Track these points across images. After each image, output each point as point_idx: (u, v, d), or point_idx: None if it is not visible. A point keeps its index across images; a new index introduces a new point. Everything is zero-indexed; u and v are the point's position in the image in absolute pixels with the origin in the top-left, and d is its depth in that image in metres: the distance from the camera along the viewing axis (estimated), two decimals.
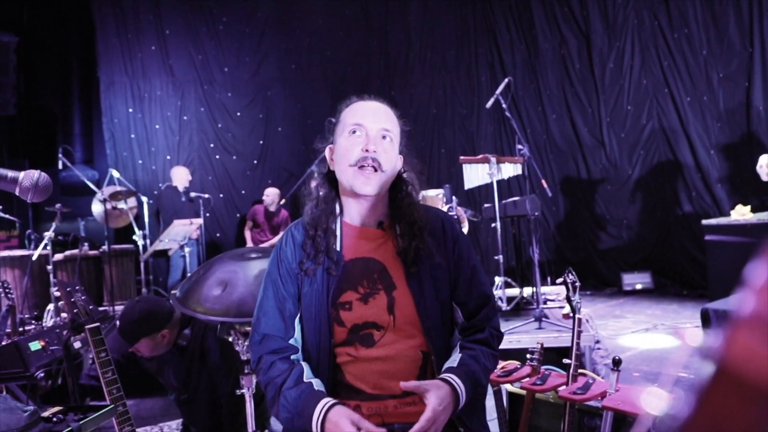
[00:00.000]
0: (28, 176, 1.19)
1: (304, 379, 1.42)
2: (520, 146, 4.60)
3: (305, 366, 1.46)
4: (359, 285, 1.50)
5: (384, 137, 1.51)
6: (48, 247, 5.32)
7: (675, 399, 0.30)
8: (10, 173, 1.18)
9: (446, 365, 1.47)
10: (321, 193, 1.58)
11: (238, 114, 8.11)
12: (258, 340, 1.51)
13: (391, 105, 1.61)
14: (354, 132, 1.50)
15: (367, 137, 1.49)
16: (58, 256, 5.70)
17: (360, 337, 1.47)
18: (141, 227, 6.55)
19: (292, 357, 1.48)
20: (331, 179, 1.59)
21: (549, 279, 5.83)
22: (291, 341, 1.51)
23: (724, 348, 0.29)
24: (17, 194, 1.18)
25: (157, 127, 7.81)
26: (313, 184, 1.63)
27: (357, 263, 1.52)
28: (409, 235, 1.51)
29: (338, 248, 1.52)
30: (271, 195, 7.31)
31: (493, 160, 4.64)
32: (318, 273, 1.50)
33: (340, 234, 1.54)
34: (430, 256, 1.52)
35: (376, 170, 1.47)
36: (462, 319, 1.56)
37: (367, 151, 1.47)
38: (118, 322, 2.47)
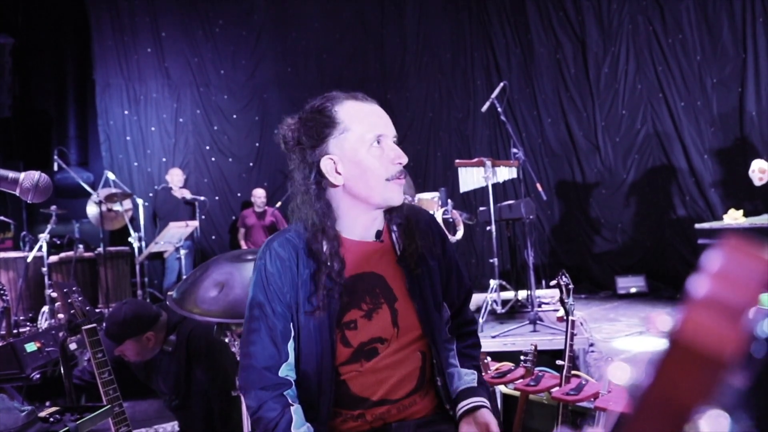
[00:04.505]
0: (29, 177, 1.20)
1: (293, 429, 1.36)
2: (515, 150, 4.62)
3: (295, 413, 1.39)
4: (362, 302, 1.45)
5: (397, 144, 1.48)
6: (43, 249, 5.32)
7: (636, 370, 0.33)
8: (11, 174, 1.19)
9: (465, 384, 1.51)
10: (319, 214, 1.42)
11: (234, 116, 8.11)
12: (249, 372, 1.43)
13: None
14: (379, 143, 1.42)
15: (392, 148, 1.43)
16: (53, 258, 5.70)
17: (365, 353, 1.45)
18: (136, 229, 6.55)
19: (285, 393, 1.42)
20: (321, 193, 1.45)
21: (544, 282, 5.85)
22: (284, 366, 1.43)
23: (680, 324, 0.32)
24: (17, 195, 1.19)
25: (153, 129, 7.80)
26: (308, 201, 1.44)
27: (358, 279, 1.46)
28: (409, 236, 1.49)
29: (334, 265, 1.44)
30: (262, 196, 7.35)
31: (489, 163, 4.66)
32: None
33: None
34: (424, 260, 1.51)
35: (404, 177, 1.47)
36: (448, 313, 1.59)
37: (400, 163, 1.43)
38: (104, 324, 2.49)
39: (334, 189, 1.45)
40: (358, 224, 1.47)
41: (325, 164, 1.42)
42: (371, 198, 1.42)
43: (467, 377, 1.52)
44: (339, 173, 1.42)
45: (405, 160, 1.44)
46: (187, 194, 7.14)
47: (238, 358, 2.06)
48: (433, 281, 1.51)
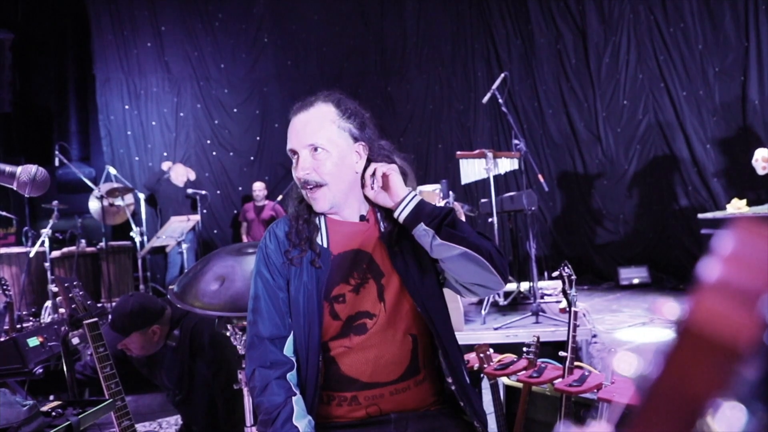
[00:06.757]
0: (26, 170, 1.20)
1: (293, 421, 1.39)
2: (516, 141, 4.61)
3: (296, 404, 1.43)
4: (350, 277, 1.52)
5: (315, 150, 1.49)
6: (45, 244, 5.32)
7: (645, 361, 0.32)
8: (8, 168, 1.18)
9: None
10: (297, 196, 1.60)
11: (235, 110, 8.10)
12: (256, 344, 1.50)
13: (329, 101, 1.54)
14: (295, 157, 1.52)
15: (299, 160, 1.51)
16: (56, 253, 5.70)
17: (354, 327, 1.50)
18: (138, 224, 6.55)
19: (288, 376, 1.47)
20: None
21: (546, 274, 5.85)
22: (288, 343, 1.50)
23: (691, 311, 0.31)
24: (15, 188, 1.18)
25: (154, 123, 7.80)
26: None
27: (346, 256, 1.54)
28: (391, 219, 1.53)
29: (323, 243, 1.53)
30: (261, 189, 7.36)
31: (490, 155, 4.65)
32: (304, 267, 1.51)
33: (325, 229, 1.55)
34: (410, 237, 1.52)
35: (317, 187, 1.49)
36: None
37: (299, 178, 1.50)
38: (110, 317, 2.48)
39: None
40: (338, 209, 1.56)
41: None
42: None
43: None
44: None
45: (300, 174, 1.49)
46: (192, 175, 7.15)
47: (240, 351, 2.06)
48: (419, 255, 1.53)
